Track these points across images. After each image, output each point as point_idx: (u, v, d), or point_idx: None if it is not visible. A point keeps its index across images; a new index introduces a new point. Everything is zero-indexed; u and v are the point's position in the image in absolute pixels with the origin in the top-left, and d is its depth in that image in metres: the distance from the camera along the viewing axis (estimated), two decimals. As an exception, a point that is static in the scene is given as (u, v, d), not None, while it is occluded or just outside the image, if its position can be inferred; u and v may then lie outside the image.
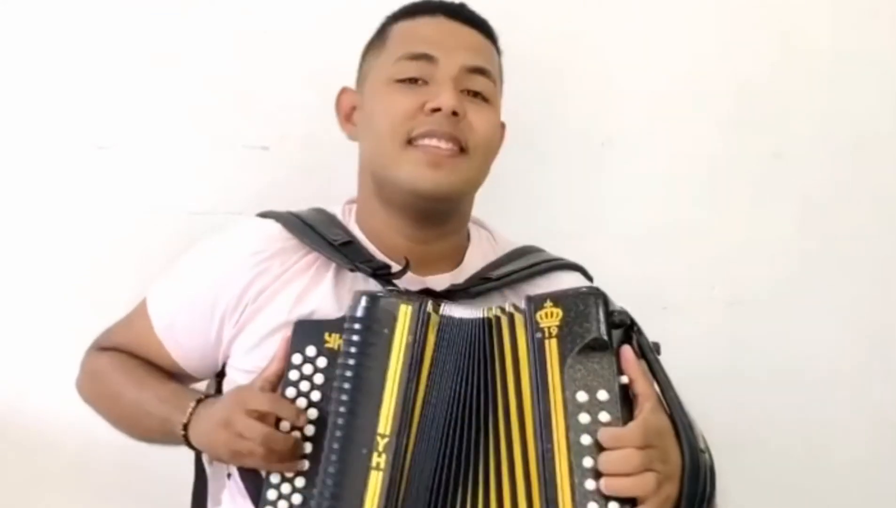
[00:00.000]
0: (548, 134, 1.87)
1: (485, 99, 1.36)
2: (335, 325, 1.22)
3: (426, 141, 1.31)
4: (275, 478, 1.21)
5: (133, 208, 1.80)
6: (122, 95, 1.80)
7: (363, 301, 1.20)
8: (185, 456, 1.41)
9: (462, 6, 1.41)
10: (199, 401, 1.30)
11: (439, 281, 1.36)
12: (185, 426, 1.29)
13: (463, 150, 1.32)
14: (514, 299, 1.35)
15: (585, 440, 1.13)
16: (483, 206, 1.48)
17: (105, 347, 1.48)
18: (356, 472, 1.16)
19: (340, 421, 1.18)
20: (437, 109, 1.30)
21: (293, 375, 1.22)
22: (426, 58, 1.33)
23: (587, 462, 1.12)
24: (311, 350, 1.22)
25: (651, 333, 1.49)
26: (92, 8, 1.79)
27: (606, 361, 1.14)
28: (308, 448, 1.21)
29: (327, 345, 1.22)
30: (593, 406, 1.13)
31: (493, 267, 1.39)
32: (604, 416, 1.13)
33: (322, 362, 1.22)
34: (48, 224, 1.80)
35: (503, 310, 1.21)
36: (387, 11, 1.73)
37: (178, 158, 1.81)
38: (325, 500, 1.17)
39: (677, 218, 1.94)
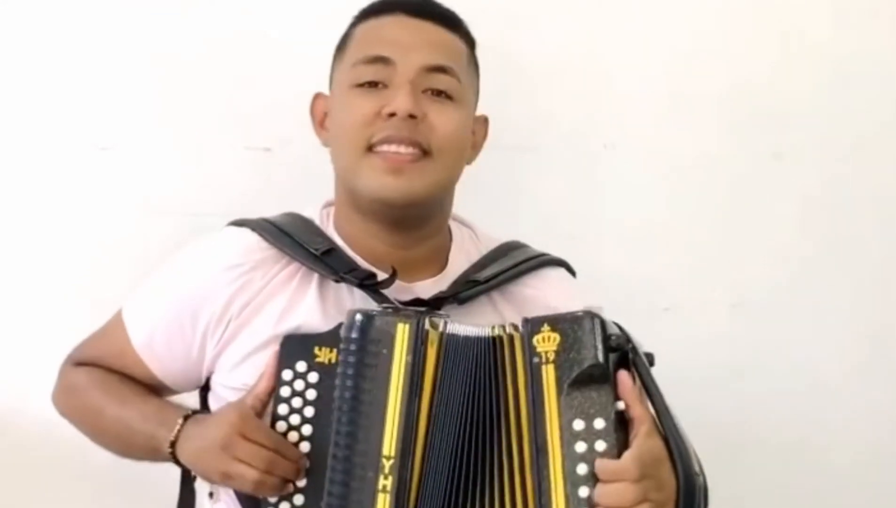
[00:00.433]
0: (549, 136, 1.87)
1: (449, 97, 1.31)
2: (324, 339, 1.20)
3: (385, 147, 1.27)
4: (273, 498, 1.19)
5: (134, 208, 1.80)
6: (123, 95, 1.80)
7: (358, 321, 1.18)
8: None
9: (426, 2, 1.35)
10: (186, 417, 1.27)
11: (426, 287, 1.33)
12: (173, 444, 1.26)
13: (426, 152, 1.28)
14: (502, 302, 1.36)
15: (581, 469, 1.12)
16: (484, 207, 1.48)
17: (81, 361, 1.43)
18: (363, 496, 1.15)
19: (343, 444, 1.16)
20: (394, 114, 1.27)
21: (285, 391, 1.20)
22: (382, 60, 1.29)
23: (583, 491, 1.11)
24: (301, 366, 1.20)
25: (652, 334, 1.49)
26: (92, 8, 1.79)
27: (604, 388, 1.13)
28: (305, 464, 1.19)
29: (318, 360, 1.19)
30: (590, 435, 1.13)
31: (478, 268, 1.36)
32: (600, 445, 1.12)
33: (314, 377, 1.19)
34: (49, 225, 1.80)
35: (503, 328, 1.20)
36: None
37: (179, 159, 1.81)
38: None
39: (679, 219, 1.94)
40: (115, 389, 1.37)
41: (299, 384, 1.20)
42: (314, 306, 1.29)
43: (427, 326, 1.18)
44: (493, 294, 1.35)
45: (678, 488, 1.13)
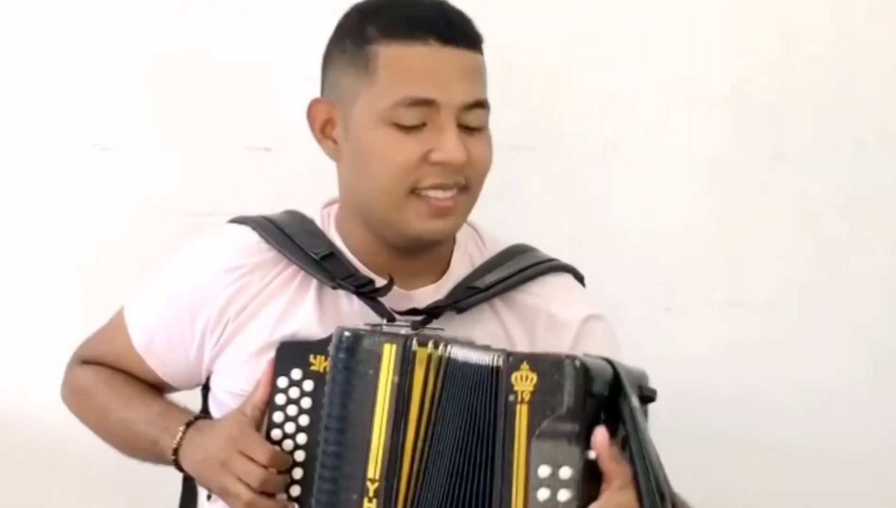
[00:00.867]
0: (550, 137, 1.87)
1: (480, 128, 1.26)
2: (320, 347, 1.19)
3: (433, 193, 1.23)
4: None
5: (134, 208, 1.80)
6: (124, 95, 1.80)
7: (345, 340, 1.16)
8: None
9: (452, 22, 1.26)
10: (188, 424, 1.27)
11: (425, 294, 1.30)
12: (176, 451, 1.27)
13: (465, 187, 1.25)
14: (504, 309, 1.33)
15: None
16: (483, 209, 1.47)
17: (87, 359, 1.44)
18: None
19: (328, 466, 1.15)
20: (443, 162, 1.22)
21: (280, 399, 1.19)
22: (426, 103, 1.22)
23: None
24: (296, 373, 1.19)
25: (652, 334, 1.50)
26: (92, 8, 1.79)
27: (575, 436, 1.09)
28: (298, 474, 1.19)
29: (312, 367, 1.18)
30: (555, 483, 1.08)
31: (479, 273, 1.33)
32: (563, 494, 1.08)
33: (308, 385, 1.18)
34: (49, 224, 1.80)
35: (496, 354, 1.15)
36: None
37: (179, 158, 1.81)
38: None
39: (679, 220, 1.94)
40: (120, 390, 1.37)
41: (294, 392, 1.19)
42: (311, 311, 1.28)
43: (414, 346, 1.16)
44: (495, 301, 1.32)
45: None
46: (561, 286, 1.38)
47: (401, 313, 1.25)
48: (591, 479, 1.10)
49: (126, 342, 1.36)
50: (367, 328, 1.20)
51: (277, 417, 1.19)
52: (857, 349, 1.99)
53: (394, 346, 1.15)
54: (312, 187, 1.44)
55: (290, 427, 1.19)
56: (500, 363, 1.14)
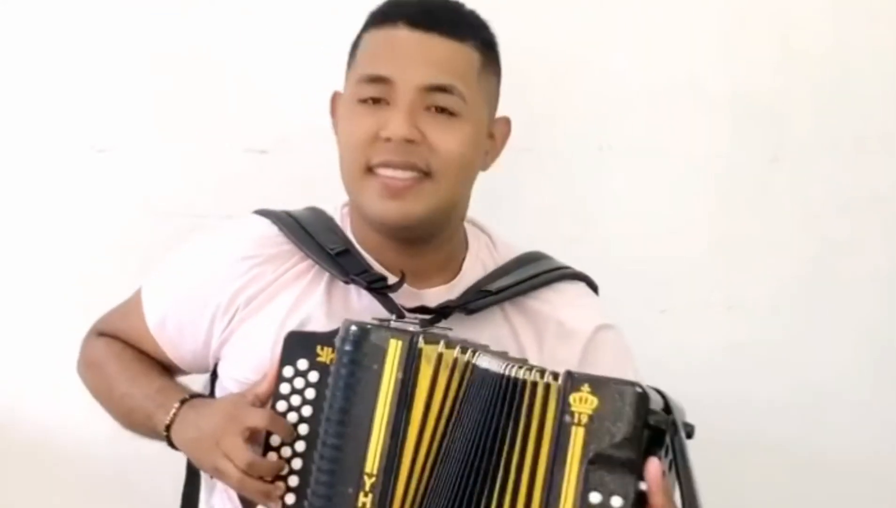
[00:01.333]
0: (546, 138, 1.87)
1: (452, 113, 1.27)
2: (328, 338, 1.19)
3: (382, 171, 1.25)
4: None
5: (131, 210, 1.81)
6: (121, 97, 1.80)
7: (352, 333, 1.16)
8: (182, 456, 1.41)
9: (431, 10, 1.30)
10: (183, 401, 1.28)
11: (436, 294, 1.32)
12: (168, 427, 1.28)
13: (427, 173, 1.26)
14: (514, 314, 1.34)
15: None
16: (481, 211, 1.47)
17: (104, 332, 1.46)
18: None
19: (327, 457, 1.15)
20: (390, 139, 1.24)
21: (284, 388, 1.19)
22: (382, 80, 1.25)
23: None
24: (302, 364, 1.19)
25: (649, 336, 1.49)
26: (91, 9, 1.79)
27: (630, 465, 1.07)
28: (298, 464, 1.19)
29: (319, 359, 1.18)
30: None
31: (492, 278, 1.34)
32: None
33: (314, 376, 1.19)
34: (46, 226, 1.80)
35: (542, 374, 1.14)
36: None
37: (176, 160, 1.81)
38: None
39: (675, 222, 1.94)
40: (129, 366, 1.39)
41: (299, 382, 1.19)
42: (320, 305, 1.29)
43: (421, 343, 1.16)
44: (506, 306, 1.33)
45: None
46: (573, 294, 1.39)
47: (410, 311, 1.26)
48: None
49: (140, 321, 1.38)
50: (375, 322, 1.20)
51: (281, 406, 1.19)
52: (857, 349, 1.99)
53: (399, 342, 1.16)
54: (308, 190, 1.45)
55: (292, 417, 1.19)
56: (543, 380, 1.13)
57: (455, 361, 1.16)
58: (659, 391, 1.14)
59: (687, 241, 1.94)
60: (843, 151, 1.97)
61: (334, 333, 1.19)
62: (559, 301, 1.36)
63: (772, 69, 1.94)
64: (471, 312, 1.29)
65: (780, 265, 1.97)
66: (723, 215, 1.96)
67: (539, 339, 1.31)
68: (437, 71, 1.26)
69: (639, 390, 1.09)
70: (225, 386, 1.34)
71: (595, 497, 1.08)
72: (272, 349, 1.25)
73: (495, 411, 1.14)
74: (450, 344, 1.17)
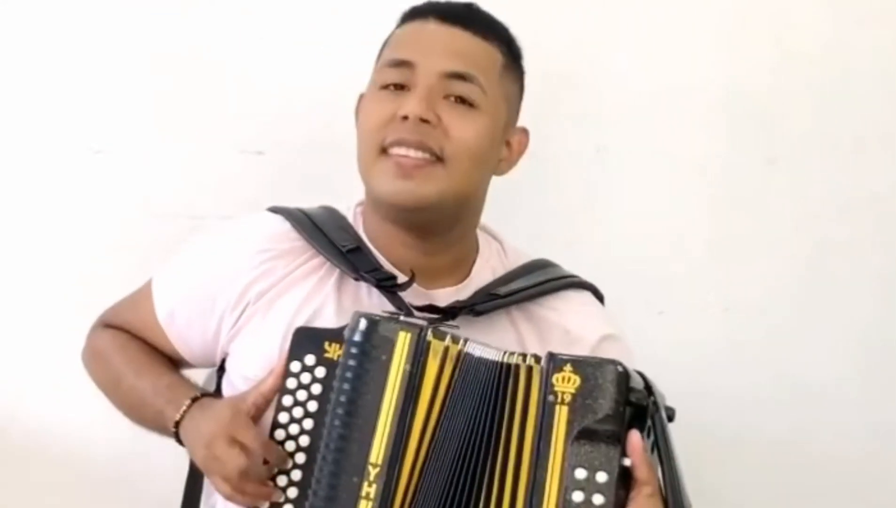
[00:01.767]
0: (542, 140, 1.86)
1: (470, 104, 1.30)
2: (336, 335, 1.20)
3: (396, 150, 1.27)
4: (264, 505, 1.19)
5: (129, 211, 1.80)
6: (118, 98, 1.80)
7: (362, 324, 1.18)
8: (182, 456, 1.41)
9: (457, 6, 1.35)
10: (194, 399, 1.29)
11: (444, 295, 1.34)
12: (177, 424, 1.28)
13: (439, 158, 1.28)
14: (521, 320, 1.35)
15: None
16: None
17: (110, 324, 1.47)
18: (345, 500, 1.15)
19: (332, 446, 1.16)
20: (406, 117, 1.27)
21: (291, 383, 1.20)
22: (405, 64, 1.29)
23: None
24: (309, 359, 1.20)
25: (646, 337, 1.49)
26: (89, 9, 1.79)
27: (614, 441, 1.11)
28: (301, 458, 1.19)
29: (326, 355, 1.19)
30: (590, 486, 1.11)
31: (500, 283, 1.36)
32: (598, 499, 1.11)
33: (321, 372, 1.19)
34: (44, 227, 1.80)
35: (524, 357, 1.18)
36: (383, 15, 1.73)
37: (173, 161, 1.81)
38: None
39: (672, 223, 1.94)
40: (135, 358, 1.40)
41: (306, 377, 1.20)
42: (331, 301, 1.31)
43: (429, 337, 1.18)
44: (513, 311, 1.35)
45: None
46: (579, 303, 1.41)
47: (419, 309, 1.27)
48: (622, 485, 1.12)
49: (150, 312, 1.39)
50: (385, 314, 1.22)
51: (286, 401, 1.20)
52: (854, 350, 1.99)
53: (409, 334, 1.17)
54: (305, 192, 1.46)
55: (297, 412, 1.20)
56: (525, 362, 1.17)
57: (458, 353, 1.18)
58: (641, 374, 1.17)
59: (684, 242, 1.94)
60: (840, 152, 1.97)
61: (342, 329, 1.20)
62: (565, 309, 1.39)
63: (769, 70, 1.95)
64: (478, 313, 1.30)
65: (777, 266, 1.97)
66: (720, 217, 1.96)
67: (544, 345, 1.31)
68: (460, 60, 1.30)
69: (619, 368, 1.13)
70: (232, 382, 1.35)
71: (581, 473, 1.12)
72: (281, 345, 1.26)
73: (486, 395, 1.17)
74: (456, 339, 1.19)
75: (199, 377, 1.44)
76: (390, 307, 1.28)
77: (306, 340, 1.21)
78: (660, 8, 1.93)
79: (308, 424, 1.20)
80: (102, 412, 1.48)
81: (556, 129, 1.89)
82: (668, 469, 1.15)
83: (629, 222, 1.93)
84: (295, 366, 1.20)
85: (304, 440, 1.19)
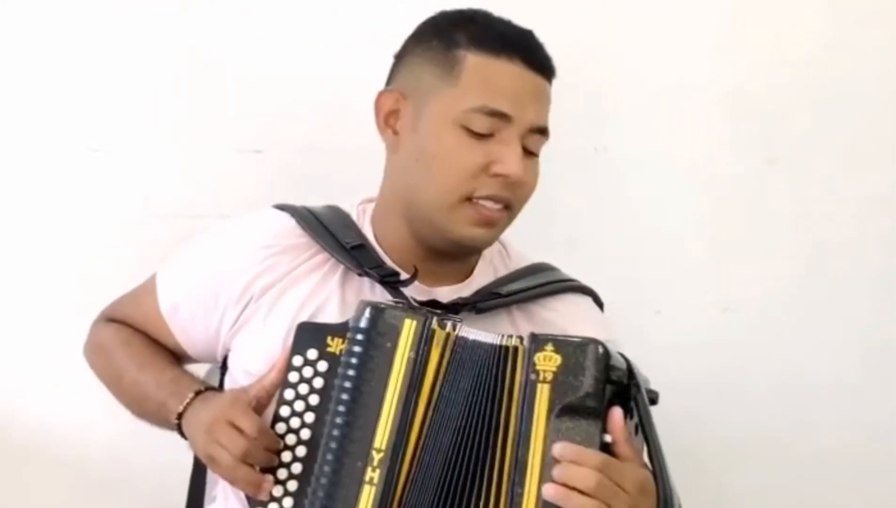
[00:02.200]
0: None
1: (536, 155, 1.34)
2: (339, 329, 1.21)
3: (484, 203, 1.29)
4: (264, 497, 1.19)
5: (125, 210, 1.80)
6: (117, 97, 1.80)
7: (367, 312, 1.19)
8: (182, 456, 1.42)
9: (538, 49, 1.35)
10: (197, 393, 1.30)
11: (446, 293, 1.35)
12: (180, 416, 1.29)
13: (507, 205, 1.31)
14: (521, 319, 1.37)
15: None
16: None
17: (113, 318, 1.47)
18: (349, 485, 1.16)
19: (337, 432, 1.17)
20: (500, 174, 1.27)
21: (293, 377, 1.21)
22: (502, 116, 1.27)
23: None
24: (312, 353, 1.21)
25: (643, 337, 1.49)
26: (89, 8, 1.79)
27: (594, 418, 1.13)
28: (302, 452, 1.20)
29: (329, 349, 1.20)
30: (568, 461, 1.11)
31: (502, 282, 1.38)
32: None
33: (323, 366, 1.20)
34: (41, 226, 1.80)
35: (512, 338, 1.19)
36: (383, 15, 1.73)
37: (170, 160, 1.81)
38: None
39: (670, 223, 1.94)
40: (138, 352, 1.40)
41: (308, 371, 1.21)
42: (334, 296, 1.31)
43: (434, 325, 1.19)
44: (513, 310, 1.37)
45: None
46: (579, 307, 1.43)
47: (421, 304, 1.28)
48: None
49: (153, 305, 1.39)
50: (391, 302, 1.24)
51: (288, 394, 1.21)
52: (852, 351, 1.99)
53: (414, 322, 1.19)
54: (303, 191, 1.46)
55: (299, 405, 1.20)
56: (512, 343, 1.18)
57: (454, 338, 1.20)
58: (623, 356, 1.18)
59: (682, 242, 1.95)
60: (840, 152, 1.98)
61: (345, 324, 1.21)
62: (566, 311, 1.40)
63: (769, 70, 1.95)
64: (480, 311, 1.32)
65: (775, 267, 1.97)
66: (718, 217, 1.96)
67: None
68: (544, 113, 1.34)
69: (600, 348, 1.14)
70: (235, 377, 1.35)
71: (558, 448, 1.12)
72: (284, 340, 1.27)
73: (480, 377, 1.18)
74: (449, 325, 1.20)
75: (199, 371, 1.44)
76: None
77: (309, 334, 1.22)
78: (660, 8, 1.93)
79: (309, 417, 1.20)
80: (102, 411, 1.49)
81: (556, 128, 1.89)
82: (653, 449, 1.16)
83: (628, 222, 1.93)
84: (297, 360, 1.21)
85: (305, 434, 1.20)
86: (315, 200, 1.43)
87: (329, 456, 1.17)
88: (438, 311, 1.27)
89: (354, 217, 1.40)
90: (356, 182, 1.44)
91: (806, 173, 1.96)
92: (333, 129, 1.80)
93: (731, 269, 1.97)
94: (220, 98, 1.81)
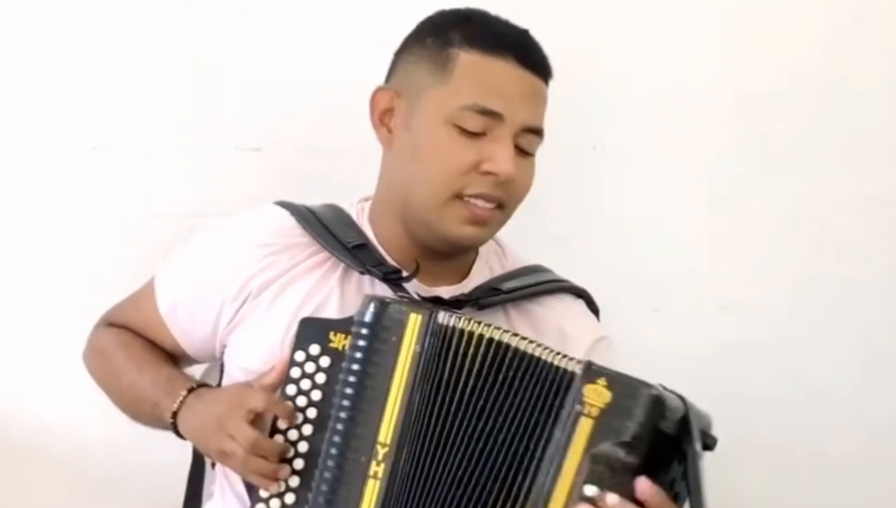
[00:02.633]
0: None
1: (530, 154, 1.33)
2: (341, 325, 1.21)
3: (475, 201, 1.28)
4: (264, 493, 1.20)
5: (125, 209, 1.80)
6: (115, 95, 1.79)
7: (372, 306, 1.19)
8: (180, 453, 1.42)
9: (533, 48, 1.34)
10: (190, 390, 1.30)
11: (445, 292, 1.35)
12: (174, 414, 1.29)
13: (501, 205, 1.31)
14: (517, 316, 1.37)
15: None
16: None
17: (113, 322, 1.47)
18: (353, 479, 1.16)
19: (341, 426, 1.17)
20: (491, 173, 1.27)
21: (295, 372, 1.21)
22: (493, 115, 1.27)
23: None
24: (314, 349, 1.21)
25: (642, 336, 1.50)
26: (88, 8, 1.79)
27: (630, 468, 1.08)
28: (304, 447, 1.20)
29: (331, 345, 1.20)
30: (597, 505, 1.09)
31: (501, 280, 1.38)
32: None
33: (325, 361, 1.20)
34: (41, 225, 1.80)
35: (563, 357, 1.16)
36: (383, 15, 1.73)
37: (170, 159, 1.81)
38: (320, 504, 1.17)
39: (668, 221, 1.95)
40: (137, 354, 1.40)
41: (310, 367, 1.21)
42: (334, 295, 1.31)
43: (440, 319, 1.18)
44: (509, 308, 1.37)
45: None
46: (574, 308, 1.44)
47: (424, 300, 1.29)
48: None
49: (152, 307, 1.39)
50: (396, 297, 1.24)
51: (290, 390, 1.21)
52: (850, 350, 2.00)
53: (419, 316, 1.18)
54: (302, 189, 1.46)
55: (301, 401, 1.21)
56: (570, 367, 1.14)
57: (473, 336, 1.18)
58: (682, 399, 1.13)
59: (680, 240, 1.95)
60: (839, 153, 1.98)
61: (348, 320, 1.21)
62: (562, 310, 1.41)
63: (767, 70, 1.95)
64: (482, 307, 1.32)
65: (773, 266, 1.97)
66: (716, 215, 1.96)
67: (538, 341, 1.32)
68: (538, 113, 1.33)
69: (654, 392, 1.09)
70: (232, 375, 1.35)
71: (590, 490, 1.09)
72: (283, 337, 1.27)
73: (519, 388, 1.15)
74: (467, 321, 1.19)
75: (195, 372, 1.45)
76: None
77: (311, 330, 1.22)
78: (660, 8, 1.93)
79: (311, 413, 1.20)
80: (102, 411, 1.49)
81: (555, 126, 1.89)
82: (694, 502, 1.09)
83: (626, 221, 1.93)
84: (299, 355, 1.21)
85: (307, 429, 1.20)
86: (315, 199, 1.43)
87: (333, 451, 1.17)
88: (443, 307, 1.26)
89: (354, 216, 1.40)
90: (356, 182, 1.44)
91: (806, 173, 1.96)
92: (333, 128, 1.80)
93: (730, 268, 1.97)
94: (220, 98, 1.81)
